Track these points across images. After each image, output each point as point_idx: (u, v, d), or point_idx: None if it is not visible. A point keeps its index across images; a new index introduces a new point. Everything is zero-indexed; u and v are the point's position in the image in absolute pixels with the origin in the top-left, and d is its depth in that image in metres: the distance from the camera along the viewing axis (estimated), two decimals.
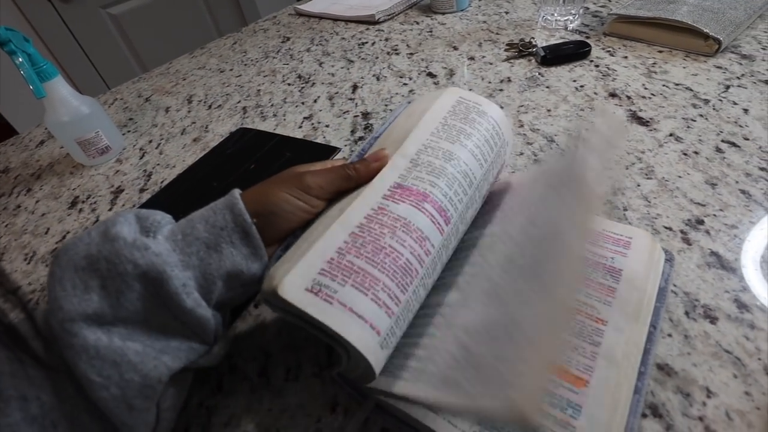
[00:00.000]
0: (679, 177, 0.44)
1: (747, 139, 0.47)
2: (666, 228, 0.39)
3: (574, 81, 0.62)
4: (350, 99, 0.68)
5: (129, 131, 0.73)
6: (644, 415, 0.28)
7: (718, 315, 0.33)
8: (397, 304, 0.28)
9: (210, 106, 0.75)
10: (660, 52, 0.64)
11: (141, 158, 0.66)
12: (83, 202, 0.59)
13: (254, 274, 0.30)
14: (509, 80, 0.65)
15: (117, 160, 0.66)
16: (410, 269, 0.28)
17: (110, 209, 0.56)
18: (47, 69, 0.57)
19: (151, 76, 0.92)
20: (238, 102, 0.75)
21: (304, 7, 1.08)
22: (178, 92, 0.83)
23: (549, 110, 0.57)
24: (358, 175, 0.32)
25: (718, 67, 0.59)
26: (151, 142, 0.69)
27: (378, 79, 0.72)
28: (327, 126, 0.63)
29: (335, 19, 1.00)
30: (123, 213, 0.30)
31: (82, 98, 0.62)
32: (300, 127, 0.65)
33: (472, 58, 0.72)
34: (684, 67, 0.60)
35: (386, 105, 0.65)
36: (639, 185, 0.44)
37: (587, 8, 0.80)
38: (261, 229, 0.30)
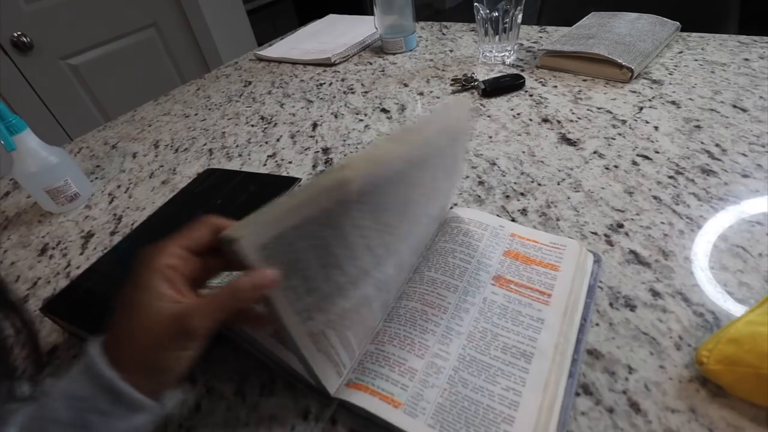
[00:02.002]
0: (603, 188, 0.50)
1: (658, 152, 0.54)
2: (592, 233, 0.45)
3: (512, 110, 0.69)
4: (311, 136, 0.73)
5: (97, 178, 0.75)
6: (577, 394, 0.33)
7: (636, 303, 0.38)
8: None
9: (177, 150, 0.79)
10: (584, 80, 0.73)
11: (110, 203, 0.68)
12: (54, 248, 0.60)
13: (139, 426, 0.27)
14: None
15: (86, 206, 0.68)
16: None
17: (81, 254, 0.58)
18: (16, 123, 0.60)
19: (116, 124, 0.95)
20: (204, 144, 0.78)
21: (264, 52, 1.14)
22: (144, 138, 0.86)
23: (490, 137, 0.63)
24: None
25: (633, 92, 0.67)
26: (119, 186, 0.71)
27: (336, 116, 0.78)
28: (290, 162, 0.67)
29: (294, 62, 1.06)
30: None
31: (51, 149, 0.64)
32: (264, 164, 0.68)
33: (421, 94, 0.79)
34: (605, 93, 0.68)
35: (344, 140, 0.70)
36: (569, 198, 0.50)
37: (521, 44, 0.89)
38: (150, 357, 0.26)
